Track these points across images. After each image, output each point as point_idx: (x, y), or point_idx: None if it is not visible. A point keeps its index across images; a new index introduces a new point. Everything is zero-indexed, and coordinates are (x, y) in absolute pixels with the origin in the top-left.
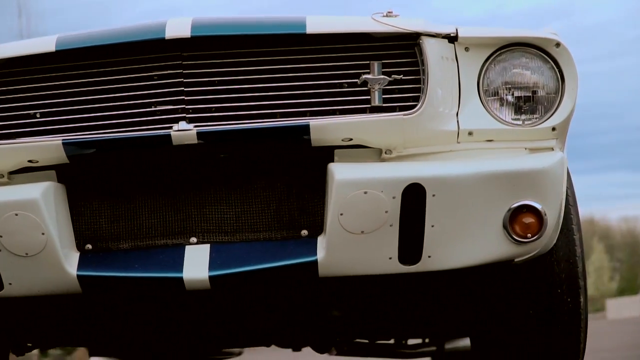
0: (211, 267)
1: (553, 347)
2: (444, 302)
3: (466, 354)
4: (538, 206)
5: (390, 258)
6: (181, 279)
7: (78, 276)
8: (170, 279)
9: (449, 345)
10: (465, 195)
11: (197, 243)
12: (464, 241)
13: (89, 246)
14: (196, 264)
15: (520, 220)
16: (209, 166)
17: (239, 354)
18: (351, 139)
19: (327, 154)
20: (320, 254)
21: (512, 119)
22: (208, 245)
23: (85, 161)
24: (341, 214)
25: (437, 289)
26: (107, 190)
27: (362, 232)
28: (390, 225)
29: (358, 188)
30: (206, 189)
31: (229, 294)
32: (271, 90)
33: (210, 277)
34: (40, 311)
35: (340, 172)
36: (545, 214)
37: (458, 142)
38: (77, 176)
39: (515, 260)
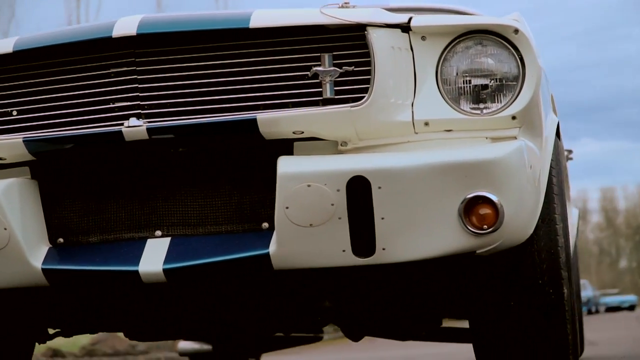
0: (167, 260)
1: (539, 340)
2: (425, 293)
3: None
4: (493, 197)
5: (343, 251)
6: (137, 272)
7: (43, 269)
8: (127, 273)
9: None
10: (414, 187)
11: (161, 236)
12: (419, 233)
13: (61, 240)
14: (153, 257)
15: (476, 211)
16: (173, 161)
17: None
18: (302, 132)
19: (287, 146)
20: (272, 247)
21: (471, 108)
22: (169, 239)
23: (54, 158)
24: (287, 207)
25: (417, 279)
26: (78, 185)
27: (311, 225)
28: (339, 218)
29: (301, 181)
30: (171, 183)
31: (199, 286)
32: (221, 85)
33: (164, 270)
34: (61, 297)
35: (284, 165)
36: (502, 205)
37: (416, 133)
38: (49, 172)
39: (477, 252)
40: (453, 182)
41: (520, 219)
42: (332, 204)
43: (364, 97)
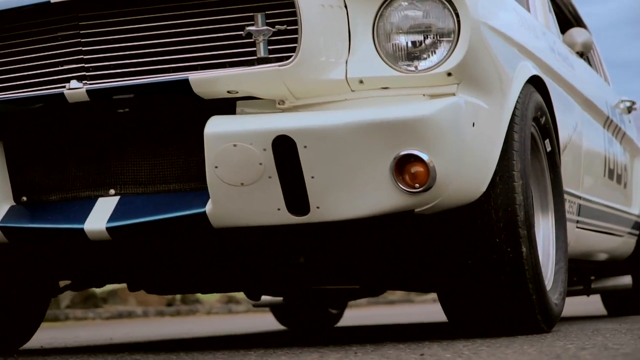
0: (111, 218)
1: (502, 299)
2: (384, 250)
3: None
4: (423, 155)
5: (278, 209)
6: (83, 230)
7: (1, 227)
8: (73, 230)
9: (596, 285)
10: (341, 146)
11: (114, 195)
12: (352, 192)
13: (24, 198)
14: (99, 215)
15: (408, 170)
16: (124, 121)
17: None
18: (237, 92)
19: (230, 106)
20: (209, 206)
21: (407, 66)
22: (118, 197)
23: (18, 119)
24: (216, 167)
25: (378, 235)
26: (40, 145)
27: (242, 184)
28: (269, 177)
29: (227, 141)
30: (123, 143)
31: (159, 241)
32: (159, 46)
33: (107, 228)
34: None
35: (211, 125)
36: (433, 164)
37: (352, 91)
38: (13, 133)
39: (416, 211)
40: (382, 141)
41: (462, 177)
42: (260, 163)
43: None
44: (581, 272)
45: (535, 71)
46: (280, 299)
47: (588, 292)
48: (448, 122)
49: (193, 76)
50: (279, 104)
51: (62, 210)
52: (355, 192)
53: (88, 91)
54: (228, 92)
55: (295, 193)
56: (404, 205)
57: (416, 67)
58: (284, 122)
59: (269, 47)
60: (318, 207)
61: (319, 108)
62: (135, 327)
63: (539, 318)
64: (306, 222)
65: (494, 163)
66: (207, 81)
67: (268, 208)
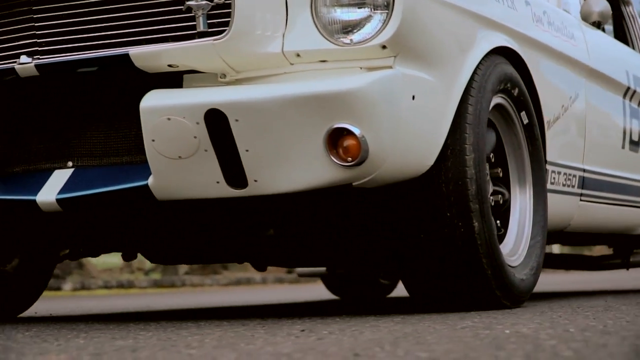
0: (62, 190)
1: (457, 274)
2: (343, 225)
3: None
4: (353, 129)
5: (217, 182)
6: (34, 201)
7: None
8: (26, 202)
9: (635, 258)
10: (273, 119)
11: (72, 167)
12: (288, 165)
13: None
14: (52, 187)
15: (341, 143)
16: (83, 95)
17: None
18: (178, 66)
19: (177, 79)
20: (151, 179)
21: (342, 38)
22: (72, 170)
23: None
24: (153, 140)
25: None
26: (6, 118)
27: (180, 157)
28: (205, 150)
29: (161, 115)
30: (81, 116)
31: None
32: (107, 21)
33: (57, 199)
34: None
35: (146, 99)
36: (364, 137)
37: (291, 64)
38: None
39: (354, 184)
40: (313, 114)
41: (401, 150)
42: (195, 137)
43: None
44: (621, 245)
45: (505, 42)
46: (323, 269)
47: (627, 265)
48: (380, 95)
49: (133, 51)
50: (220, 77)
51: (21, 181)
52: (291, 166)
53: (37, 66)
54: (169, 65)
55: (232, 166)
56: (340, 178)
57: (351, 40)
58: (216, 95)
59: (211, 21)
60: (256, 181)
61: (259, 81)
62: (253, 293)
63: (497, 294)
64: (245, 195)
65: (442, 136)
66: (147, 55)
67: (207, 181)
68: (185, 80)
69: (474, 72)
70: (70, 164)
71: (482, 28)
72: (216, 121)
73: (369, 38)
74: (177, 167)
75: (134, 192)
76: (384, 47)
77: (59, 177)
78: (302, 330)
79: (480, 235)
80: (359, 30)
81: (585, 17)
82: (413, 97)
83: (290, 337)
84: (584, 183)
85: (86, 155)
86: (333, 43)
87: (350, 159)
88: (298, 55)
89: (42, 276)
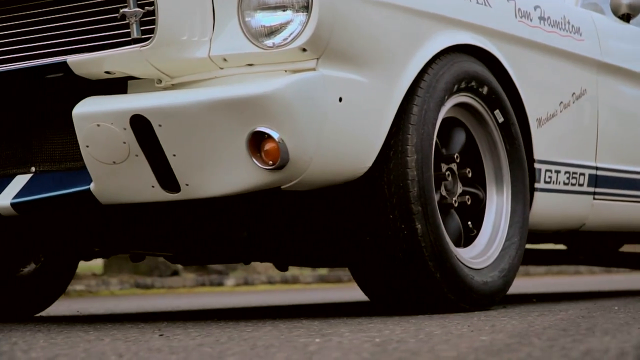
0: (17, 195)
1: (404, 277)
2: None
3: None
4: (271, 132)
5: (153, 186)
6: None
7: None
8: None
9: None
10: (195, 124)
11: (34, 172)
12: (216, 169)
13: None
14: (10, 192)
15: (262, 147)
16: (45, 101)
17: None
18: (114, 73)
19: (122, 85)
20: (92, 184)
21: (266, 41)
22: (31, 175)
23: None
24: (87, 146)
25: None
26: None
27: (114, 162)
28: (136, 155)
29: (91, 121)
30: (42, 122)
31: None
32: (48, 30)
33: (11, 204)
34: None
35: (80, 106)
36: (282, 140)
37: (221, 69)
38: None
39: (283, 187)
40: (234, 118)
41: (330, 153)
42: (124, 142)
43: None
44: None
45: (471, 40)
46: None
47: None
48: (297, 97)
49: (71, 59)
50: (157, 83)
51: None
52: (218, 170)
53: None
54: (106, 72)
55: (163, 171)
56: (266, 182)
57: (274, 43)
58: (140, 101)
59: (145, 28)
60: (187, 185)
61: (191, 86)
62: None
63: (451, 297)
64: (179, 199)
65: (380, 138)
66: (84, 63)
67: (143, 185)
68: (129, 86)
69: (424, 72)
70: (33, 169)
71: (436, 26)
72: (142, 127)
73: (290, 41)
74: (113, 172)
75: (78, 197)
76: (304, 49)
77: (18, 182)
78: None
79: (424, 238)
80: (281, 33)
81: (614, 10)
82: (340, 99)
83: None
84: (596, 181)
85: (47, 160)
86: (258, 47)
87: (271, 162)
88: (225, 59)
89: (61, 278)
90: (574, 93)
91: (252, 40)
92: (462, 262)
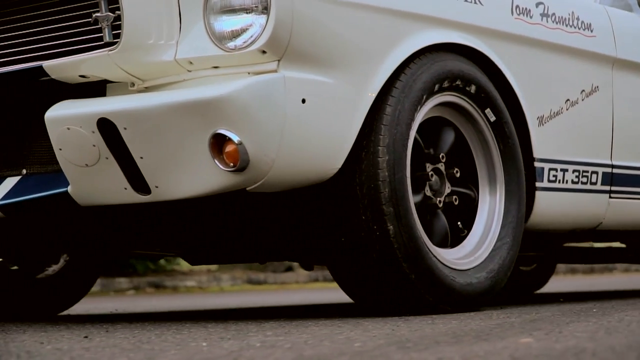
0: (4, 197)
1: (380, 279)
2: (266, 224)
3: None
4: (230, 135)
5: (125, 188)
6: None
7: None
8: None
9: None
10: (159, 127)
11: (25, 174)
12: (182, 172)
13: None
14: None
15: (223, 149)
16: (34, 104)
17: None
18: (89, 77)
19: (101, 88)
20: (70, 186)
21: (229, 44)
22: (19, 177)
23: None
24: (60, 149)
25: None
26: None
27: (87, 164)
28: (107, 158)
29: (62, 124)
30: (30, 125)
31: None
32: (28, 36)
33: None
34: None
35: (52, 109)
36: (241, 143)
37: (189, 71)
38: None
39: (249, 189)
40: (196, 121)
41: (294, 155)
42: (94, 145)
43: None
44: None
45: (458, 39)
46: None
47: None
48: (255, 100)
49: (46, 63)
50: (130, 86)
51: None
52: (185, 172)
53: None
54: (81, 76)
55: (133, 173)
56: (229, 184)
57: (236, 45)
58: (106, 105)
59: (117, 32)
60: (157, 187)
61: (161, 89)
62: None
63: (429, 298)
64: (151, 201)
65: (349, 138)
66: (59, 67)
67: (116, 187)
68: (107, 89)
69: (401, 71)
70: (24, 171)
71: (414, 25)
72: (109, 130)
73: (250, 43)
74: (87, 174)
75: (58, 199)
76: (263, 51)
77: (7, 184)
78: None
79: (397, 239)
80: (242, 35)
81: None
82: (303, 101)
83: None
84: (612, 179)
85: (36, 162)
86: (222, 49)
87: (232, 164)
88: (191, 62)
89: (86, 278)
90: (583, 90)
91: (217, 43)
92: (442, 263)
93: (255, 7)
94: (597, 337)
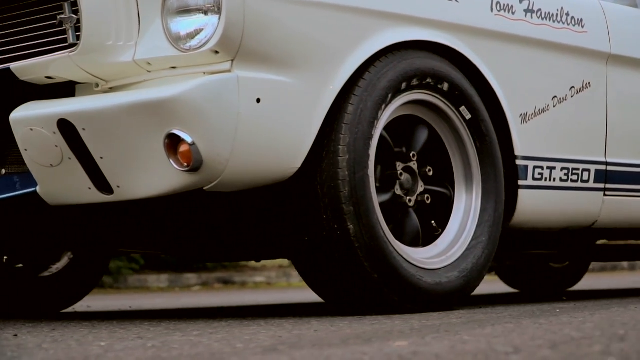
0: None
1: (344, 278)
2: (229, 223)
3: None
4: (183, 135)
5: (90, 188)
6: None
7: None
8: None
9: None
10: (115, 127)
11: (4, 174)
12: (142, 171)
13: None
14: None
15: (177, 149)
16: (6, 105)
17: None
18: (54, 78)
19: (71, 89)
20: (38, 186)
21: (184, 45)
22: None
23: None
24: (25, 150)
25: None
26: None
27: (51, 165)
28: (69, 158)
29: (25, 125)
30: (8, 125)
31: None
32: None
33: None
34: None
35: (16, 110)
36: (194, 142)
37: (148, 72)
38: None
39: (206, 188)
40: (150, 121)
41: (248, 155)
42: (56, 146)
43: None
44: None
45: (429, 37)
46: None
47: None
48: (206, 100)
49: (14, 65)
50: (95, 87)
51: None
52: (143, 172)
53: None
54: (47, 77)
55: (95, 173)
56: (185, 184)
57: (190, 46)
58: (66, 106)
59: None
60: (118, 187)
61: (127, 89)
62: None
63: (393, 298)
64: (114, 200)
65: (309, 138)
66: (25, 69)
67: (81, 187)
68: (76, 90)
69: (366, 70)
70: (3, 171)
71: (380, 24)
72: (69, 130)
73: (204, 44)
74: (53, 174)
75: (29, 198)
76: (216, 52)
77: None
78: None
79: (357, 238)
80: (198, 36)
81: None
82: (258, 100)
83: None
84: (607, 177)
85: (15, 162)
86: (178, 50)
87: (186, 164)
88: (149, 63)
89: (90, 275)
90: (572, 87)
91: (173, 43)
92: (409, 262)
93: (209, 7)
94: (495, 342)
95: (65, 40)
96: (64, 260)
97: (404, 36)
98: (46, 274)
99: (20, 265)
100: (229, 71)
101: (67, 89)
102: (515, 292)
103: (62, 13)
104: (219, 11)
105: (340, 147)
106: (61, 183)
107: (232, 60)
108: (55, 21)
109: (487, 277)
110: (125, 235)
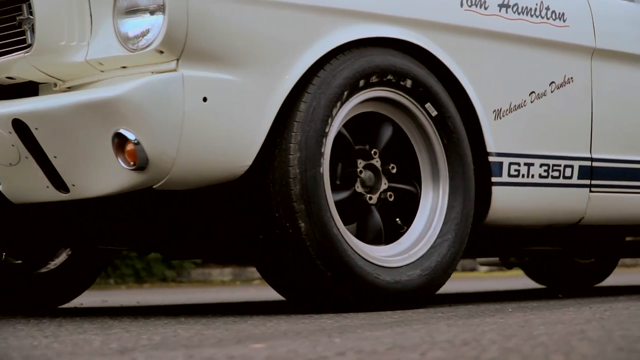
0: None
1: (300, 274)
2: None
3: None
4: (127, 134)
5: (47, 187)
6: None
7: None
8: None
9: None
10: (64, 127)
11: None
12: (94, 170)
13: None
14: None
15: (124, 148)
16: None
17: None
18: (15, 78)
19: (35, 89)
20: (1, 185)
21: (132, 45)
22: None
23: None
24: None
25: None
26: None
27: (10, 164)
28: (26, 157)
29: None
30: None
31: None
32: None
33: None
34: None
35: None
36: (138, 141)
37: (102, 72)
38: None
39: (154, 187)
40: (97, 121)
41: (195, 153)
42: (13, 145)
43: None
44: None
45: (391, 33)
46: (497, 258)
47: None
48: (149, 99)
49: None
50: (54, 86)
51: None
52: (95, 171)
53: None
54: (8, 77)
55: (52, 172)
56: (134, 182)
57: (137, 46)
58: (19, 106)
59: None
60: (74, 185)
61: (85, 87)
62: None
63: (349, 296)
64: (71, 198)
65: (259, 136)
66: None
67: (39, 185)
68: (39, 90)
69: (321, 68)
70: None
71: (336, 21)
72: (24, 130)
73: (150, 43)
74: (13, 173)
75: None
76: (161, 51)
77: None
78: None
79: (309, 236)
80: (145, 36)
81: None
82: (205, 99)
83: None
84: (592, 173)
85: None
86: (127, 49)
87: (132, 163)
88: (100, 63)
89: (89, 271)
90: (552, 82)
91: (123, 43)
92: (366, 260)
93: (154, 8)
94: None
95: (25, 41)
96: (62, 257)
97: (361, 33)
98: (44, 270)
99: (19, 262)
100: (174, 70)
101: (31, 90)
102: (542, 287)
103: (21, 14)
104: (163, 11)
105: (291, 145)
106: (21, 181)
107: (178, 60)
108: (15, 22)
109: (513, 273)
110: (86, 232)
